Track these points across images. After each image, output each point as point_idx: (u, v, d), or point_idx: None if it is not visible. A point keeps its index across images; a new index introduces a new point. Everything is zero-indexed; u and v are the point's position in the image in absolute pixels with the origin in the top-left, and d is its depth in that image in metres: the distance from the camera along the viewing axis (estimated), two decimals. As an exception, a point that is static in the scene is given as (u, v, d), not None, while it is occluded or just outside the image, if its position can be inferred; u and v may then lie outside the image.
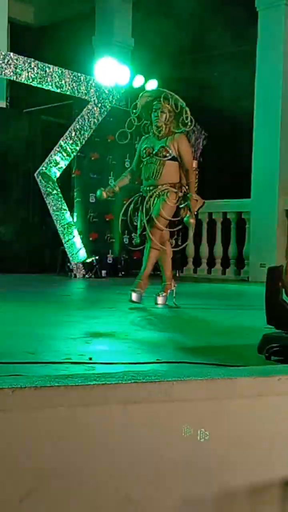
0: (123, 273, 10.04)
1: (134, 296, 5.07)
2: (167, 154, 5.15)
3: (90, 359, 2.54)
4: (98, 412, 1.97)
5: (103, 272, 9.70)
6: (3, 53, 8.37)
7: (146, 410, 2.04)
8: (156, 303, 5.26)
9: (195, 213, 5.28)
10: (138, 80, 10.15)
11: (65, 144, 9.27)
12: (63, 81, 9.05)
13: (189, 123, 5.29)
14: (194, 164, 5.48)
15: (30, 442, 1.88)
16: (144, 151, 5.29)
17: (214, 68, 10.75)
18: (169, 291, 5.35)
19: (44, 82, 8.83)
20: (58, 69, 9.02)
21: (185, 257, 10.88)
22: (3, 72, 8.36)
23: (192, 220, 5.13)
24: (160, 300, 5.29)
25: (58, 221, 9.22)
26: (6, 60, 8.33)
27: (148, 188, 5.24)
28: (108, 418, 2.00)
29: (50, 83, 8.91)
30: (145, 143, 5.35)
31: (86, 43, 11.66)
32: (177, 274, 10.87)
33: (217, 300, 6.53)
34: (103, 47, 11.46)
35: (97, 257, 9.54)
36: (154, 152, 5.20)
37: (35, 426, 1.88)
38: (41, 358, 2.50)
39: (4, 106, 10.16)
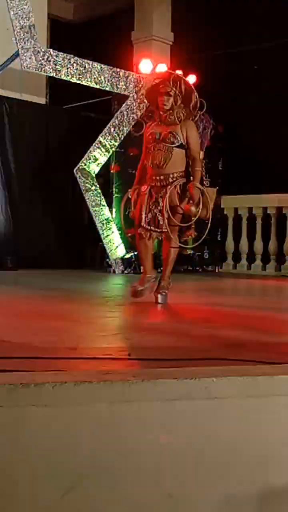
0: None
1: (161, 299, 4.87)
2: (175, 141, 4.80)
3: (129, 355, 2.54)
4: (138, 408, 1.97)
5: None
6: (42, 50, 8.41)
7: (186, 407, 2.03)
8: (159, 302, 4.87)
9: (209, 200, 4.88)
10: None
11: (104, 140, 9.29)
12: (102, 77, 9.06)
13: (198, 109, 5.02)
14: (201, 154, 5.12)
15: (71, 437, 1.89)
16: (150, 137, 4.91)
17: (255, 61, 10.62)
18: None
19: (83, 78, 8.85)
20: (97, 65, 9.03)
21: (225, 252, 10.81)
22: (43, 69, 8.41)
23: (193, 208, 4.74)
24: (161, 299, 4.91)
25: (97, 217, 9.24)
26: (45, 57, 8.38)
27: (158, 178, 4.85)
28: (148, 414, 1.99)
29: (89, 79, 8.92)
30: (152, 129, 4.96)
31: (125, 38, 11.65)
32: (216, 270, 10.82)
33: (257, 296, 6.46)
34: (142, 42, 11.43)
35: (135, 253, 9.54)
36: (161, 138, 4.83)
37: (75, 421, 1.89)
38: (82, 354, 2.50)
39: (44, 103, 10.23)
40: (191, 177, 4.83)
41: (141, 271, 5.08)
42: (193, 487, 2.02)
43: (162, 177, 4.81)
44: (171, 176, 4.80)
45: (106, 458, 1.94)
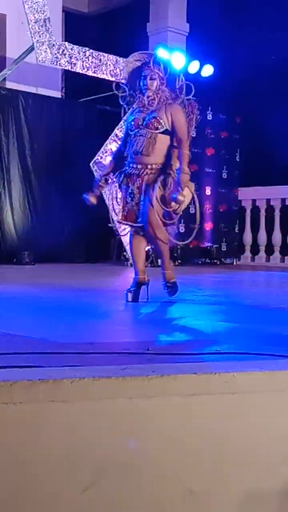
0: (179, 261, 9.99)
1: (172, 291, 4.56)
2: (159, 127, 4.39)
3: (148, 349, 2.51)
4: (157, 403, 1.95)
5: (159, 260, 9.67)
6: (57, 43, 8.39)
7: (206, 402, 2.00)
8: (128, 300, 4.39)
9: (191, 193, 4.48)
10: (194, 66, 10.04)
11: (120, 133, 9.25)
12: (118, 69, 9.02)
13: (184, 92, 4.67)
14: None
15: (90, 433, 1.87)
16: (133, 123, 4.49)
17: (272, 51, 10.51)
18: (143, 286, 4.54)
19: (99, 71, 8.82)
20: (112, 57, 9.00)
21: (242, 244, 10.76)
22: (58, 62, 8.39)
23: (180, 197, 4.27)
24: (173, 291, 4.57)
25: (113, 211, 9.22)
26: (60, 50, 8.36)
27: (136, 166, 4.42)
28: (167, 410, 1.97)
29: (105, 72, 8.89)
30: (134, 115, 4.55)
31: (140, 30, 11.59)
32: (234, 263, 10.77)
33: (276, 288, 6.41)
34: (158, 34, 11.37)
35: (152, 246, 9.51)
36: (144, 124, 4.43)
37: (94, 417, 1.87)
38: (100, 349, 2.49)
39: (60, 96, 10.22)
40: (177, 162, 4.40)
41: (136, 273, 4.59)
42: (214, 483, 1.99)
43: (139, 166, 4.40)
44: (149, 166, 4.39)
45: (126, 453, 1.93)
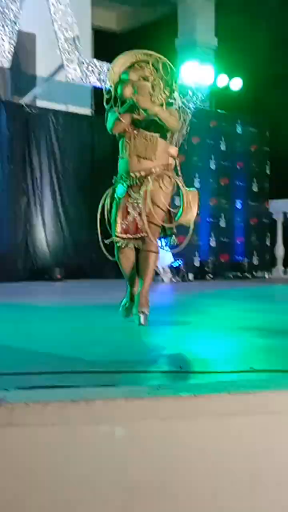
0: (211, 276, 9.93)
1: (143, 320, 3.94)
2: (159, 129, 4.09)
3: (181, 367, 2.47)
4: (191, 424, 1.91)
5: (190, 275, 9.63)
6: (87, 60, 8.48)
7: (242, 423, 1.95)
8: (141, 323, 3.96)
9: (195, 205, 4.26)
10: (222, 79, 10.04)
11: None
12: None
13: (174, 96, 4.33)
14: (174, 151, 4.25)
15: (123, 454, 1.84)
16: (132, 125, 4.11)
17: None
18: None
19: (127, 87, 8.86)
20: (141, 73, 9.03)
21: (274, 258, 10.65)
22: (88, 79, 8.46)
23: (189, 216, 4.17)
24: (144, 319, 3.98)
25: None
26: (90, 68, 8.44)
27: (137, 174, 4.06)
28: (201, 430, 1.93)
29: (133, 88, 8.93)
30: (130, 117, 4.13)
31: (169, 46, 11.65)
32: (266, 276, 10.66)
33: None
34: (187, 49, 11.41)
35: (183, 261, 9.48)
36: (143, 126, 4.09)
37: (127, 439, 1.84)
38: (132, 368, 2.46)
39: (90, 113, 10.29)
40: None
41: (130, 290, 4.22)
42: (251, 505, 1.94)
43: (143, 173, 4.05)
44: (153, 169, 4.06)
45: (159, 476, 1.89)
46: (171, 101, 4.30)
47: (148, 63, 4.18)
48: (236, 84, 10.21)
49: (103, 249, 4.21)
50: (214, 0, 11.76)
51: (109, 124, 4.16)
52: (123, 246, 4.14)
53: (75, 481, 1.78)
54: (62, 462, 1.80)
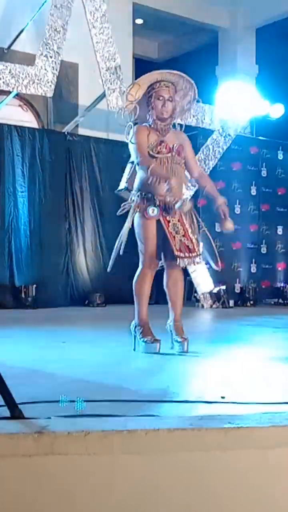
0: (251, 302, 9.83)
1: (186, 346, 3.95)
2: (183, 155, 4.11)
3: (223, 397, 2.44)
4: (234, 457, 1.88)
5: (231, 302, 9.55)
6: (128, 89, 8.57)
7: (285, 456, 1.91)
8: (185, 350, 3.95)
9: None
10: (264, 107, 10.03)
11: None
12: (187, 113, 9.11)
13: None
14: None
15: (166, 486, 1.82)
16: (163, 146, 4.05)
17: None
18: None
19: (168, 115, 8.94)
20: (182, 101, 9.10)
21: None
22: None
23: (230, 224, 4.11)
24: (187, 346, 3.96)
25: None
26: (131, 96, 8.52)
27: (172, 199, 3.98)
28: (245, 463, 1.89)
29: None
30: (154, 137, 4.07)
31: (210, 73, 11.72)
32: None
33: None
34: (227, 76, 11.46)
35: (224, 287, 9.41)
36: (175, 150, 4.05)
37: (169, 470, 1.82)
38: (174, 397, 2.44)
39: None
40: (208, 195, 4.24)
41: (140, 317, 4.14)
42: None
43: (173, 199, 3.96)
44: (183, 196, 4.12)
45: (202, 508, 1.86)
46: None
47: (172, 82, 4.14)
48: (278, 111, 10.19)
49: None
50: (254, 28, 11.82)
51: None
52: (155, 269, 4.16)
53: (116, 510, 1.77)
54: (102, 491, 1.78)
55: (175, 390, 2.62)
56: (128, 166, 4.34)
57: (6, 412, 1.89)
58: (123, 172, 4.48)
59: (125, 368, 3.45)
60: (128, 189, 4.25)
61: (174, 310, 4.17)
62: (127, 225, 4.19)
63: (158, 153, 4.03)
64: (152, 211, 4.06)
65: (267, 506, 1.92)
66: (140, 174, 4.12)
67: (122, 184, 4.30)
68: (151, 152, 4.03)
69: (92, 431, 1.78)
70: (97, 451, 1.77)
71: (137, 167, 4.18)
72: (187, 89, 4.24)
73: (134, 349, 4.04)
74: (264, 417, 2.00)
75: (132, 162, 4.28)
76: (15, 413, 1.90)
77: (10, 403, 1.91)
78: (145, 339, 3.95)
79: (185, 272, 9.32)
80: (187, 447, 1.82)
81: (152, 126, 4.10)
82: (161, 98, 4.06)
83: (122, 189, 4.31)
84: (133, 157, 4.21)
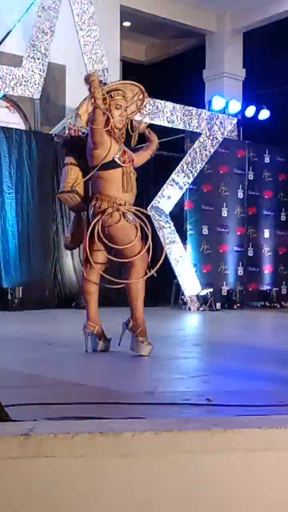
0: (238, 305, 9.87)
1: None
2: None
3: (209, 400, 2.45)
4: (219, 459, 1.88)
5: (218, 304, 9.59)
6: (116, 92, 8.58)
7: (271, 459, 1.92)
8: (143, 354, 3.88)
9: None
10: (250, 110, 10.10)
11: (177, 178, 9.32)
12: (174, 116, 9.14)
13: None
14: None
15: (151, 489, 1.82)
16: (126, 156, 4.12)
17: None
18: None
19: (156, 118, 8.96)
20: (169, 104, 9.13)
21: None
22: (117, 110, 8.56)
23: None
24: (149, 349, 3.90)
25: (171, 254, 9.24)
26: (119, 98, 8.53)
27: (127, 204, 4.09)
28: (230, 465, 1.90)
29: (162, 118, 9.03)
30: (113, 143, 4.07)
31: (197, 77, 11.77)
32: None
33: None
34: (214, 80, 11.51)
35: (211, 290, 9.44)
36: (128, 159, 4.14)
37: (155, 472, 1.82)
38: (160, 399, 2.44)
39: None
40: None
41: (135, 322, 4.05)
42: None
43: (127, 205, 4.07)
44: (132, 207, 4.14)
45: (187, 509, 1.86)
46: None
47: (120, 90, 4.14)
48: (264, 114, 10.25)
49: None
50: (241, 32, 11.88)
51: None
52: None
53: (103, 514, 1.77)
54: (89, 494, 1.78)
55: (162, 393, 2.62)
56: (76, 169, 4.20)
57: (-8, 414, 1.89)
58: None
59: (110, 370, 3.45)
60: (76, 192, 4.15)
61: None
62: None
63: (123, 162, 4.07)
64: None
65: (253, 509, 1.92)
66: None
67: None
68: (117, 161, 4.04)
69: (78, 434, 1.77)
70: (83, 453, 1.76)
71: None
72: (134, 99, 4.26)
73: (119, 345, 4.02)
74: (250, 419, 2.00)
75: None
76: (1, 416, 1.89)
77: (-4, 405, 1.90)
78: (142, 339, 3.94)
79: (172, 275, 9.38)
80: (173, 450, 1.82)
81: (111, 134, 4.09)
82: (118, 107, 4.07)
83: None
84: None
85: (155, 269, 4.14)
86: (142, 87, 4.25)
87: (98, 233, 4.01)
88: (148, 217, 4.22)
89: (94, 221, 4.02)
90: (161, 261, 4.16)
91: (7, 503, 1.73)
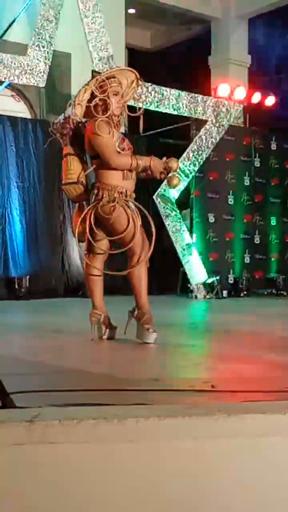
0: (245, 293, 9.87)
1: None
2: None
3: (213, 386, 2.46)
4: (224, 445, 1.89)
5: (224, 292, 9.58)
6: (121, 79, 8.55)
7: (276, 443, 1.93)
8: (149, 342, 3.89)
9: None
10: (256, 96, 10.04)
11: (183, 166, 9.30)
12: (180, 103, 9.10)
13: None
14: None
15: (155, 474, 1.83)
16: (119, 142, 4.08)
17: None
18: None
19: (161, 105, 8.93)
20: (175, 91, 9.09)
21: None
22: (122, 98, 8.53)
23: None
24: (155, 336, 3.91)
25: (178, 242, 9.23)
26: (124, 86, 8.50)
27: (130, 193, 4.14)
28: (235, 451, 1.90)
29: (167, 106, 8.99)
30: (114, 132, 4.07)
31: (202, 64, 11.70)
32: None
33: None
34: (220, 66, 11.44)
35: (217, 278, 9.44)
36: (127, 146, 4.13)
37: (160, 458, 1.83)
38: (165, 385, 2.45)
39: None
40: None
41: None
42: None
43: (129, 193, 4.12)
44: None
45: (193, 496, 1.87)
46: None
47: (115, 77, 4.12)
48: (270, 100, 10.19)
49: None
50: (247, 18, 11.79)
51: None
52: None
53: (106, 499, 1.78)
54: (94, 480, 1.80)
55: (166, 379, 2.63)
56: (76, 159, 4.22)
57: (-3, 401, 1.90)
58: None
59: (116, 357, 3.46)
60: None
61: None
62: None
63: (123, 150, 4.05)
64: None
65: (258, 494, 1.93)
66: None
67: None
68: (117, 149, 4.02)
69: (83, 420, 1.78)
70: (88, 439, 1.77)
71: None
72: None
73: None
74: (254, 405, 2.01)
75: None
76: (6, 402, 1.91)
77: (1, 392, 1.91)
78: (147, 327, 3.94)
79: (179, 263, 9.37)
80: (178, 436, 1.83)
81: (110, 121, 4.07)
82: (117, 93, 4.07)
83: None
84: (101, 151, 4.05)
85: (146, 255, 4.08)
86: (137, 73, 4.22)
87: (90, 222, 4.01)
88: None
89: (86, 210, 4.05)
90: (151, 246, 4.12)
91: (12, 489, 1.74)
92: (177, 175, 4.19)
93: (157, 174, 4.11)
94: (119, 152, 4.00)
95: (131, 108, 4.36)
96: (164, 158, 4.07)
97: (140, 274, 4.08)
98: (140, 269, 4.07)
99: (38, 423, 1.76)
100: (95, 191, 4.07)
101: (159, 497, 1.83)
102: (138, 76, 4.23)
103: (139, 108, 4.33)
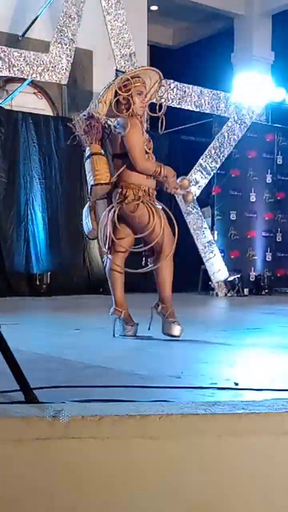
0: (266, 291, 9.81)
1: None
2: None
3: (236, 384, 2.45)
4: (247, 442, 1.88)
5: (246, 290, 9.54)
6: (143, 77, 8.54)
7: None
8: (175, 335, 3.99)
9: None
10: (279, 94, 9.97)
11: (205, 163, 9.26)
12: (202, 100, 9.07)
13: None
14: None
15: (177, 471, 1.83)
16: (147, 141, 4.22)
17: None
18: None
19: (183, 102, 8.90)
20: (197, 88, 9.06)
21: None
22: (144, 95, 8.52)
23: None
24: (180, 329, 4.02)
25: (199, 240, 9.20)
26: (146, 83, 8.50)
27: (152, 191, 4.22)
28: (258, 448, 1.90)
29: (189, 103, 8.97)
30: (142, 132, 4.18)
31: (225, 60, 11.64)
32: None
33: None
34: (243, 63, 11.39)
35: (239, 275, 9.40)
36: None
37: (182, 455, 1.83)
38: (187, 383, 2.45)
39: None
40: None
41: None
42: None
43: (151, 191, 4.19)
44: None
45: (214, 493, 1.86)
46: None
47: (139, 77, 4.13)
48: (292, 97, 10.12)
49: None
50: (270, 14, 11.71)
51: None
52: None
53: (129, 494, 1.78)
54: (115, 475, 1.80)
55: (189, 376, 2.63)
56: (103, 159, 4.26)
57: (21, 396, 1.91)
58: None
59: (138, 354, 3.47)
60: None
61: None
62: None
63: (149, 149, 4.19)
64: None
65: (280, 492, 1.92)
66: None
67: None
68: (145, 148, 4.14)
69: (106, 416, 1.79)
70: (110, 435, 1.78)
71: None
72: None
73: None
74: (277, 403, 2.00)
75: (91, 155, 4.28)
76: (30, 398, 1.92)
77: (25, 387, 1.92)
78: (172, 320, 4.05)
79: (200, 261, 9.34)
80: (200, 432, 1.83)
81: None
82: (140, 93, 4.10)
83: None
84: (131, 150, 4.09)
85: (171, 250, 4.13)
86: (161, 74, 4.22)
87: (114, 220, 4.09)
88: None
89: (109, 207, 4.15)
90: (175, 241, 4.16)
91: (35, 483, 1.75)
92: (191, 191, 4.38)
93: (171, 187, 4.21)
94: (146, 152, 4.10)
95: (152, 107, 4.36)
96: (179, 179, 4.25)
97: (166, 269, 4.14)
98: (167, 264, 4.12)
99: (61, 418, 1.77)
100: (119, 190, 4.11)
101: (181, 494, 1.83)
102: (162, 76, 4.23)
103: (160, 108, 4.31)
